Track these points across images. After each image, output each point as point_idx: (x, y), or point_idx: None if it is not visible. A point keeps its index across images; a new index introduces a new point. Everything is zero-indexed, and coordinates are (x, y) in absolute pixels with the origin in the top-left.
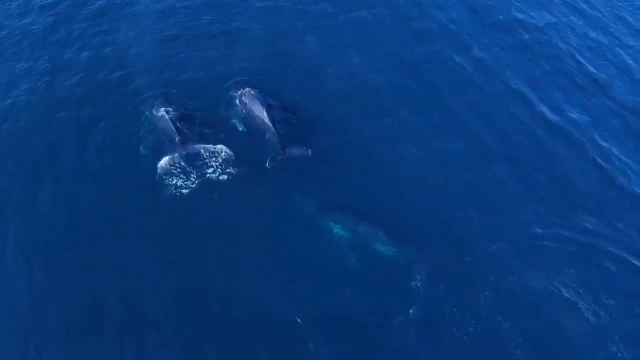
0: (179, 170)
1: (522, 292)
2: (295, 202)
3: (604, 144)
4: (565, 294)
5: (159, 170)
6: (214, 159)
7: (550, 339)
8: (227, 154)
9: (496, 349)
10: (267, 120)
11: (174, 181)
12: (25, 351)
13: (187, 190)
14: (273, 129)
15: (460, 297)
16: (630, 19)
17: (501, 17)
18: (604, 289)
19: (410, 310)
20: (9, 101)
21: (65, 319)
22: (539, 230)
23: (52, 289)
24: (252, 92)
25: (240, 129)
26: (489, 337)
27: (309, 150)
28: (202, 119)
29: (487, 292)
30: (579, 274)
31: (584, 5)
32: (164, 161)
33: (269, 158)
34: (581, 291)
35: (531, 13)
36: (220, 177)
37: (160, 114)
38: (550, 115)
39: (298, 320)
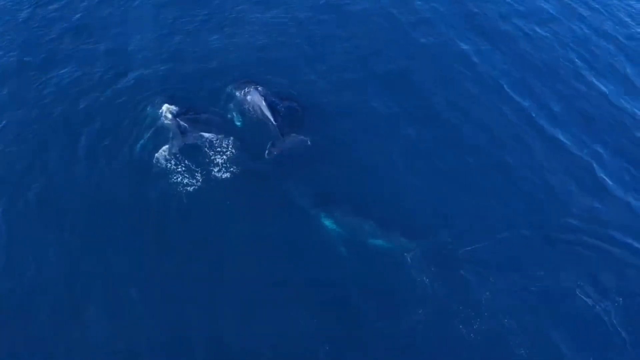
0: (183, 168)
1: (523, 289)
2: (294, 198)
3: (597, 145)
4: (568, 291)
5: (154, 161)
6: (213, 151)
7: (555, 337)
8: (227, 146)
9: (499, 347)
10: (266, 111)
11: (178, 178)
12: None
13: (191, 188)
14: (272, 120)
15: (460, 295)
16: (627, 19)
17: (498, 13)
18: (608, 286)
19: (411, 307)
20: (5, 97)
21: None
22: (539, 227)
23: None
24: (252, 84)
25: (240, 121)
26: (491, 336)
27: (308, 140)
28: (202, 112)
29: (488, 293)
30: (583, 270)
31: (581, 4)
32: (161, 151)
33: (268, 147)
34: (586, 288)
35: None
36: (221, 172)
37: (161, 109)
38: (543, 115)
39: (305, 310)
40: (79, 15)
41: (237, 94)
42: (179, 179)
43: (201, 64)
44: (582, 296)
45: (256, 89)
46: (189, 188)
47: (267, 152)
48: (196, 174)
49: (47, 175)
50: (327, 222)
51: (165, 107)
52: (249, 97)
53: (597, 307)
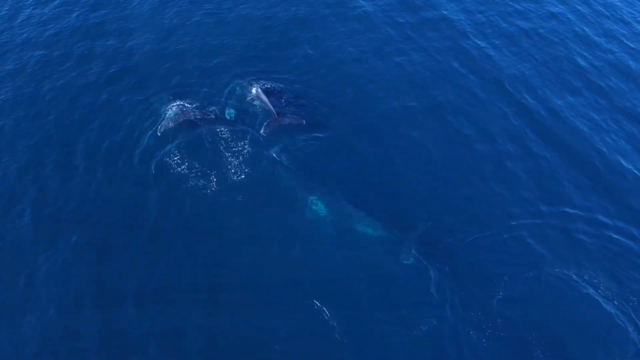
0: (179, 155)
1: (530, 289)
2: (286, 184)
3: (605, 142)
4: (581, 290)
5: (158, 134)
6: (210, 139)
7: (568, 337)
8: (224, 134)
9: (512, 349)
10: (262, 96)
11: (174, 162)
12: None
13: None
14: (268, 103)
15: (460, 293)
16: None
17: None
18: (624, 284)
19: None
20: (9, 96)
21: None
22: (550, 219)
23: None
24: (250, 76)
25: (236, 112)
26: (502, 336)
27: (303, 121)
28: (201, 101)
29: (500, 293)
30: (594, 268)
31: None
32: (159, 126)
33: (264, 125)
34: (600, 286)
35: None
36: (217, 159)
37: (166, 106)
38: (544, 110)
39: (317, 302)
40: (79, 13)
41: (238, 86)
42: (174, 164)
43: (205, 61)
44: (597, 294)
45: (254, 79)
46: (183, 172)
47: (262, 129)
48: (193, 162)
49: (45, 174)
50: (320, 209)
51: (168, 103)
52: (247, 87)
53: (612, 304)
